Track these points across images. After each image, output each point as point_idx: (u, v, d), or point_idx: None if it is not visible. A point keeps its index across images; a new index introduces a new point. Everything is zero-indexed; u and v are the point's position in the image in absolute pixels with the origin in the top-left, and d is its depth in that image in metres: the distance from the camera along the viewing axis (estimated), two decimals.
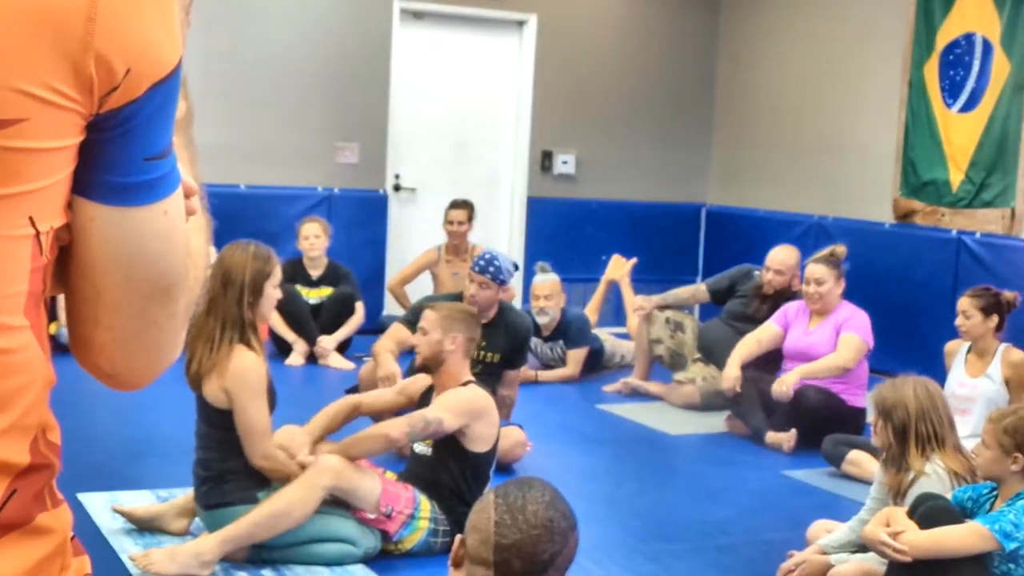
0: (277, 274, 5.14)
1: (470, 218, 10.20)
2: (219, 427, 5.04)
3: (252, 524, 4.84)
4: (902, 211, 10.13)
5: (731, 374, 7.62)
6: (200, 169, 1.46)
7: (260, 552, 4.98)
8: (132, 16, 1.15)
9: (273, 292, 5.12)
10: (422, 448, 5.36)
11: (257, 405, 4.97)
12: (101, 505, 5.56)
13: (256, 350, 5.01)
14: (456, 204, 10.24)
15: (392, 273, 10.66)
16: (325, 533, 5.00)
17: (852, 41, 10.71)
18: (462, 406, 5.23)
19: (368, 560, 5.05)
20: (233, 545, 4.84)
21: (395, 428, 5.14)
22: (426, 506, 5.19)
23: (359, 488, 5.02)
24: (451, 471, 5.25)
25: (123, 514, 5.25)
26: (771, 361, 7.80)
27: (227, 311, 4.97)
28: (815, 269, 7.54)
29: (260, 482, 5.00)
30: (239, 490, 4.99)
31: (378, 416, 5.92)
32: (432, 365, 5.43)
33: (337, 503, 5.04)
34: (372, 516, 5.05)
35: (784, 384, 7.26)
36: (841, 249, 7.70)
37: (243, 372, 4.94)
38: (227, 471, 5.03)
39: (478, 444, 5.23)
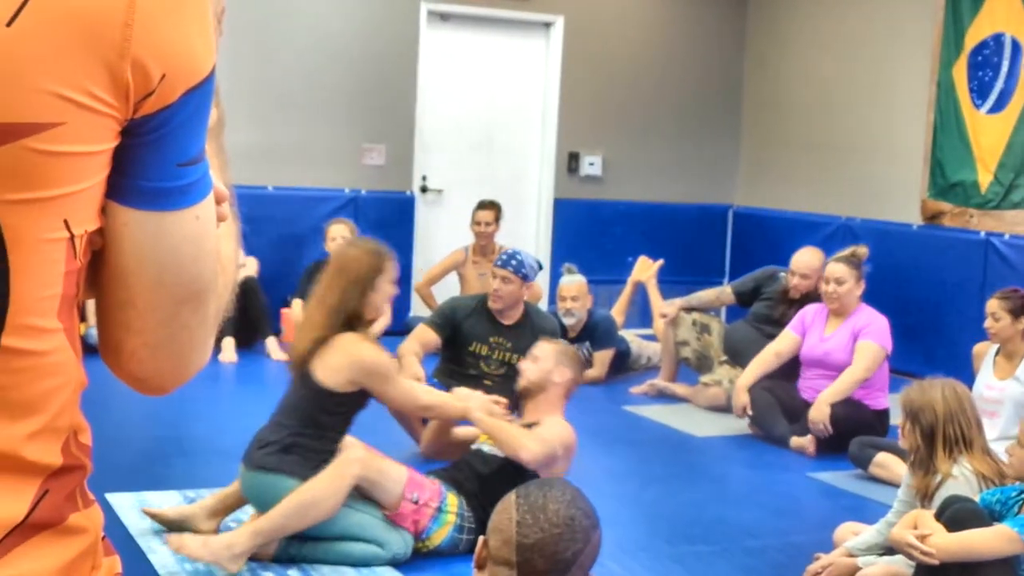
0: (391, 270, 5.32)
1: (497, 219, 10.21)
2: (316, 406, 5.11)
3: (283, 515, 4.86)
4: (930, 212, 10.10)
5: (740, 401, 7.60)
6: (230, 174, 1.47)
7: (288, 549, 5.00)
8: (168, 22, 1.16)
9: (387, 287, 5.30)
10: (491, 449, 5.38)
11: (392, 385, 5.18)
12: (130, 505, 5.59)
13: (364, 338, 5.17)
14: (484, 205, 10.24)
15: (418, 274, 10.67)
16: (354, 531, 5.01)
17: (880, 42, 10.68)
18: (568, 440, 5.36)
19: (396, 565, 5.04)
20: (264, 538, 4.86)
21: (528, 449, 5.21)
22: (453, 500, 5.20)
23: (386, 479, 5.04)
24: (508, 482, 5.25)
25: (153, 516, 5.26)
26: (788, 369, 7.78)
27: (340, 302, 5.14)
28: (835, 268, 7.50)
29: (317, 467, 4.98)
30: (297, 464, 4.98)
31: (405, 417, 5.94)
32: (533, 391, 5.54)
33: (365, 500, 5.06)
34: (399, 510, 5.06)
35: (821, 422, 7.18)
36: (863, 250, 7.66)
37: (366, 362, 5.11)
38: (297, 444, 5.06)
39: (550, 473, 5.23)
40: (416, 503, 5.08)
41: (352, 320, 5.16)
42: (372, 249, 5.33)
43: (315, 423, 5.10)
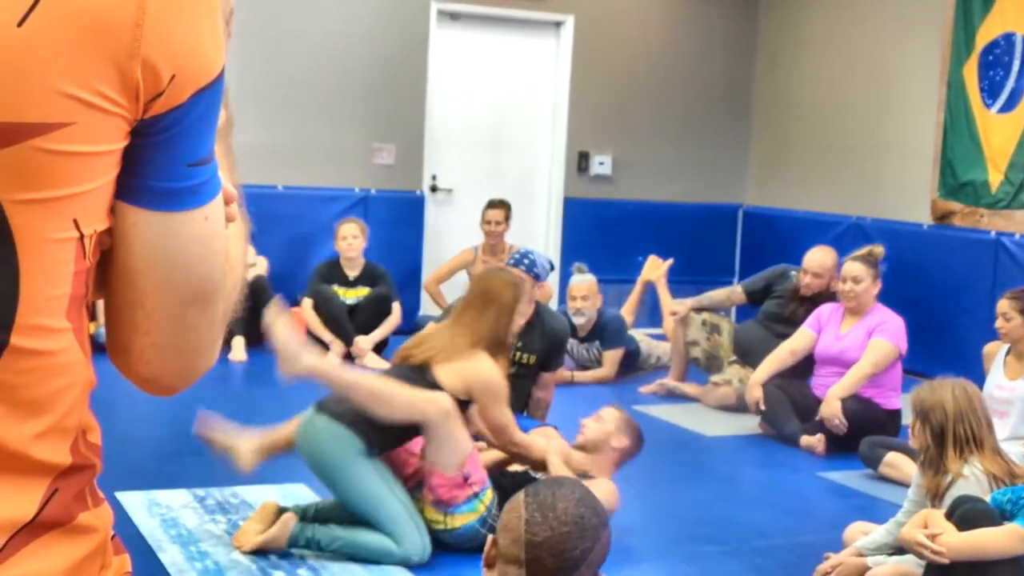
0: (525, 299, 5.73)
1: (507, 218, 10.21)
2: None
3: (361, 383, 5.08)
4: (940, 212, 10.08)
5: (754, 395, 7.62)
6: (238, 175, 1.47)
7: (304, 532, 5.04)
8: (178, 23, 1.17)
9: (519, 317, 5.68)
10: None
11: (500, 408, 5.31)
12: (139, 504, 5.60)
13: (498, 363, 5.37)
14: (493, 204, 10.24)
15: (428, 274, 10.67)
16: (381, 516, 5.02)
17: (891, 41, 10.67)
18: (612, 506, 5.39)
19: (406, 566, 5.03)
20: (334, 379, 5.08)
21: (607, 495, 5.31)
22: (490, 495, 5.22)
23: (456, 438, 5.10)
24: None
25: (204, 436, 5.38)
26: (801, 368, 7.79)
27: (490, 330, 5.37)
28: (852, 267, 7.51)
29: (378, 447, 5.08)
30: (368, 431, 5.04)
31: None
32: (588, 449, 5.62)
33: (407, 491, 5.12)
34: (451, 476, 5.10)
35: (834, 417, 7.19)
36: (879, 249, 7.67)
37: (490, 382, 5.28)
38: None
39: None
40: (465, 480, 5.13)
41: (494, 345, 5.37)
42: (514, 280, 5.63)
43: None
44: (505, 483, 5.37)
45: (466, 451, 5.14)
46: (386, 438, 5.12)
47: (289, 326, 5.20)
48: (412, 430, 5.18)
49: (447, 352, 5.30)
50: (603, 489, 5.42)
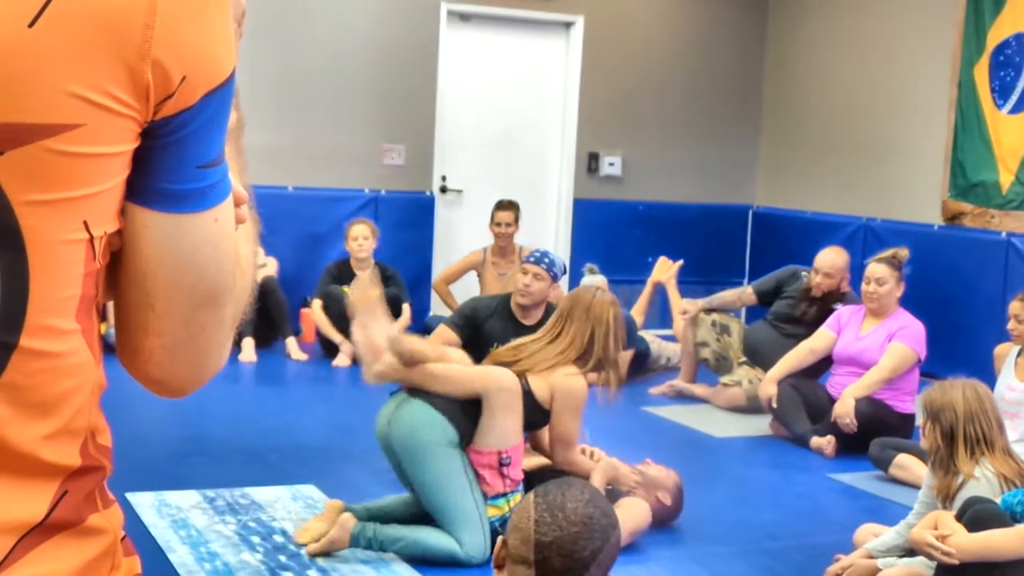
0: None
1: (517, 219, 10.20)
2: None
3: (430, 353, 5.26)
4: (951, 213, 10.07)
5: (768, 391, 7.62)
6: (249, 176, 1.47)
7: (365, 532, 5.05)
8: (189, 24, 1.17)
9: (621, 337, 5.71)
10: None
11: (574, 420, 5.48)
12: (149, 504, 5.61)
13: (584, 379, 5.50)
14: (503, 205, 10.22)
15: (438, 275, 10.68)
16: (451, 510, 5.05)
17: (901, 42, 10.66)
18: (640, 530, 5.48)
19: (466, 567, 5.04)
20: (397, 348, 5.19)
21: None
22: (518, 498, 5.21)
23: (508, 419, 5.19)
24: None
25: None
26: (813, 367, 7.78)
27: (583, 342, 5.52)
28: (876, 268, 7.51)
29: (458, 442, 5.13)
30: (459, 420, 5.13)
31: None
32: (641, 481, 5.69)
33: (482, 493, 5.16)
34: (485, 454, 5.13)
35: (847, 417, 7.18)
36: (904, 252, 7.65)
37: (576, 392, 5.46)
38: (467, 413, 5.19)
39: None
40: (502, 465, 5.15)
41: (595, 363, 5.54)
42: (613, 300, 5.70)
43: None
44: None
45: (512, 437, 5.20)
46: (463, 436, 5.17)
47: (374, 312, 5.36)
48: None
49: (544, 363, 5.45)
50: (636, 507, 5.43)
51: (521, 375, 5.35)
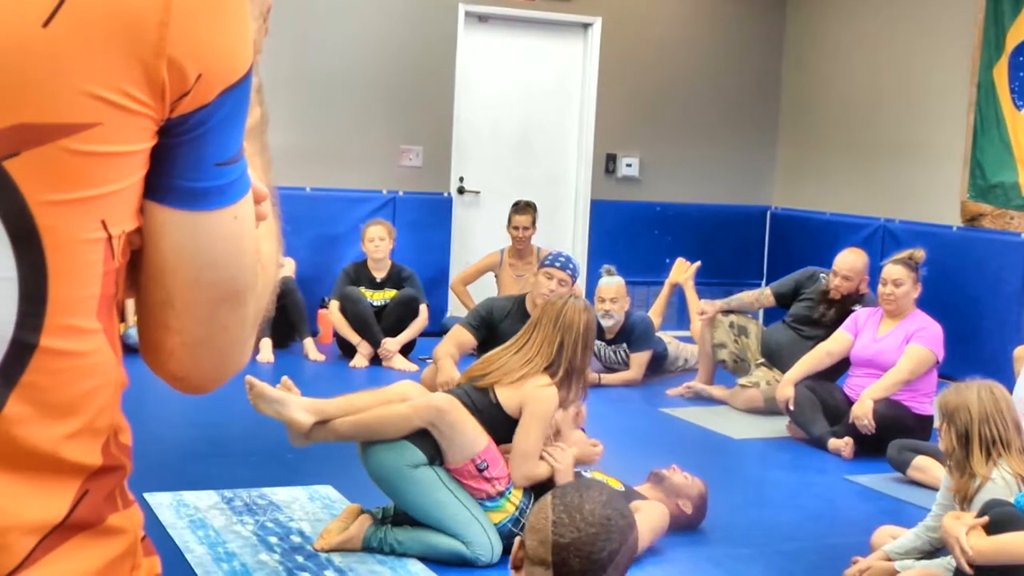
0: (594, 327, 5.62)
1: (534, 222, 10.20)
2: (488, 420, 5.22)
3: (354, 423, 5.06)
4: (970, 214, 10.04)
5: (785, 394, 7.60)
6: (272, 174, 1.47)
7: (377, 533, 5.10)
8: (204, 22, 1.16)
9: (591, 346, 5.59)
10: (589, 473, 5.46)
11: (538, 431, 5.26)
12: (167, 504, 5.62)
13: (556, 390, 5.33)
14: (520, 208, 10.21)
15: (455, 276, 10.69)
16: (447, 522, 5.06)
17: (920, 42, 10.63)
18: (660, 532, 5.43)
19: (479, 567, 5.05)
20: (322, 415, 5.06)
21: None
22: (518, 494, 5.23)
23: (462, 432, 5.08)
24: None
25: (253, 387, 5.20)
26: (831, 368, 7.77)
27: (551, 353, 5.36)
28: (893, 269, 7.48)
29: (434, 459, 5.09)
30: (431, 442, 5.07)
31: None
32: (663, 486, 5.65)
33: (466, 492, 5.13)
34: (460, 467, 5.09)
35: (865, 418, 7.16)
36: (920, 253, 7.63)
37: (544, 401, 5.28)
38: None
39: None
40: (481, 471, 5.12)
41: (565, 373, 5.36)
42: (586, 306, 5.54)
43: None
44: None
45: (475, 445, 5.12)
46: (436, 456, 5.14)
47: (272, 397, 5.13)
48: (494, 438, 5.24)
49: (511, 375, 5.32)
50: (654, 511, 5.41)
51: (489, 389, 5.29)
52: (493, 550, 5.06)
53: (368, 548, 5.09)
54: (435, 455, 5.06)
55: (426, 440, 5.06)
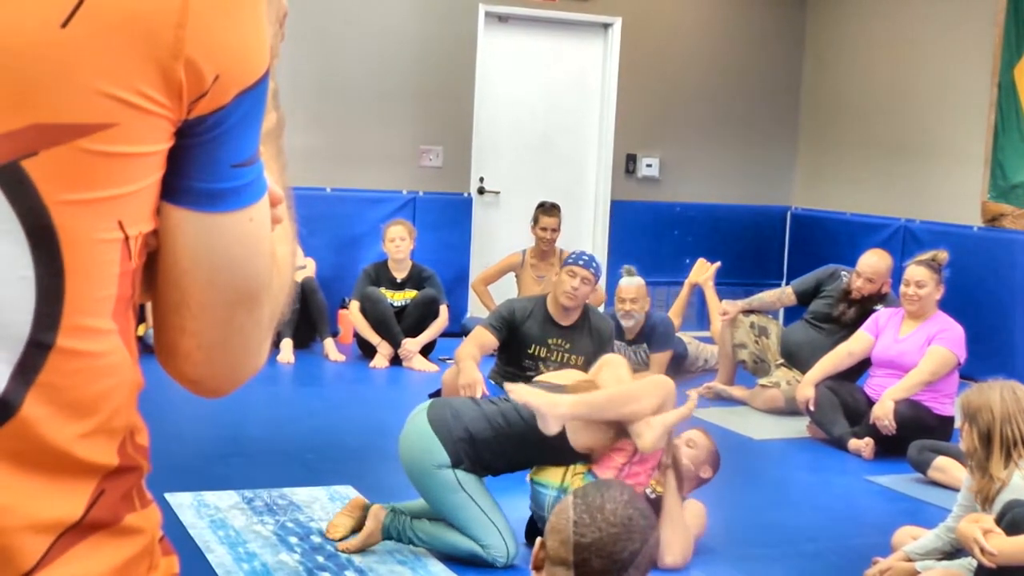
0: None
1: (560, 223, 10.18)
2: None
3: (607, 397, 5.07)
4: (991, 214, 10.01)
5: (805, 394, 7.58)
6: (288, 177, 1.47)
7: (395, 522, 5.11)
8: (221, 23, 1.17)
9: None
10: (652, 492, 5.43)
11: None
12: (188, 504, 5.63)
13: None
14: (548, 210, 10.16)
15: (475, 277, 10.69)
16: (461, 521, 5.06)
17: (941, 42, 10.60)
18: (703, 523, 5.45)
19: (498, 568, 5.06)
20: (586, 410, 5.00)
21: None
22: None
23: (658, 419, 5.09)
24: None
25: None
26: (852, 369, 7.75)
27: None
28: (916, 271, 7.46)
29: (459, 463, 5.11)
30: (463, 447, 5.05)
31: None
32: (677, 470, 5.49)
33: (487, 497, 5.14)
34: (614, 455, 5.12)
35: (886, 418, 7.15)
36: (943, 255, 7.60)
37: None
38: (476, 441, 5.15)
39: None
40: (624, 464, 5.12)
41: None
42: None
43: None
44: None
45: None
46: (483, 466, 5.14)
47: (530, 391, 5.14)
48: (521, 458, 5.22)
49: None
50: (694, 510, 5.41)
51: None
52: (509, 553, 5.06)
53: (388, 538, 5.11)
54: (460, 460, 5.05)
55: (461, 446, 5.05)
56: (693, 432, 5.67)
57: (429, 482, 5.07)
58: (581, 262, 6.99)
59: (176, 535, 5.06)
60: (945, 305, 7.63)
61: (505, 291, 9.87)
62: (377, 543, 5.13)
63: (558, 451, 5.11)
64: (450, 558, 5.08)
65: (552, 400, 4.99)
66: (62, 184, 1.12)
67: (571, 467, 5.12)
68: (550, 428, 4.95)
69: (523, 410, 5.08)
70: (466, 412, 5.16)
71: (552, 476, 5.14)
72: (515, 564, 5.08)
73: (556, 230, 10.10)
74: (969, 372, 7.93)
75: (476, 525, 5.04)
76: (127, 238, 1.18)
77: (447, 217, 10.87)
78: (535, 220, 10.17)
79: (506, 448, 5.13)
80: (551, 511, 4.73)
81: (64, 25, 1.09)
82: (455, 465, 5.04)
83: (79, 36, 1.09)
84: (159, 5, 1.13)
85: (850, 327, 8.02)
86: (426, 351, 9.44)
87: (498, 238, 11.12)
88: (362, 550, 5.11)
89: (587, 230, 11.70)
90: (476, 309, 10.52)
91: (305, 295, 9.31)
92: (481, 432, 5.09)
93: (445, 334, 9.57)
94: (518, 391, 5.06)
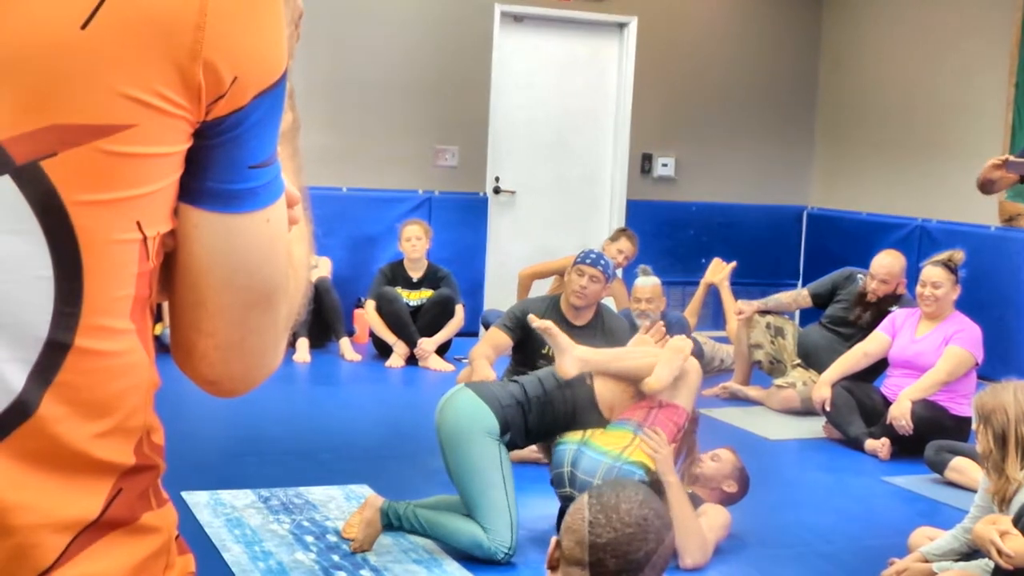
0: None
1: (636, 252, 9.81)
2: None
3: (625, 350, 5.55)
4: (1007, 214, 9.98)
5: (822, 394, 7.56)
6: (304, 177, 1.47)
7: (396, 507, 5.10)
8: (240, 25, 1.17)
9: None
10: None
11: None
12: (204, 503, 5.64)
13: None
14: (630, 236, 9.74)
15: (491, 276, 10.69)
16: (476, 494, 5.07)
17: (957, 41, 10.58)
18: (727, 525, 5.47)
19: (493, 562, 5.05)
20: (603, 356, 5.49)
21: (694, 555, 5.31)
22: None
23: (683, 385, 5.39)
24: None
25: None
26: (868, 369, 7.74)
27: None
28: (932, 271, 7.44)
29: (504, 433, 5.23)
30: (511, 416, 5.23)
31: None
32: (701, 482, 5.63)
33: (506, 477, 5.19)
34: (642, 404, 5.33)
35: (903, 419, 7.14)
36: (960, 255, 7.58)
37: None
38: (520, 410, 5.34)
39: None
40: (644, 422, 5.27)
41: None
42: None
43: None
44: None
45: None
46: (525, 433, 5.33)
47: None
48: (558, 427, 5.38)
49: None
50: (719, 519, 5.40)
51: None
52: (511, 548, 5.05)
53: (386, 524, 5.09)
54: (507, 427, 5.17)
55: (508, 415, 5.20)
56: (721, 449, 5.75)
57: (471, 449, 5.08)
58: (589, 260, 6.98)
59: (192, 534, 5.07)
60: (962, 305, 7.61)
61: (544, 288, 9.75)
62: (378, 532, 5.10)
63: (587, 412, 5.35)
64: (466, 557, 5.07)
65: (572, 342, 5.38)
66: (81, 185, 1.12)
67: (634, 440, 5.19)
68: (566, 368, 5.29)
69: (551, 377, 5.43)
70: (504, 385, 5.43)
71: (612, 443, 5.21)
72: (513, 562, 5.08)
73: (630, 257, 9.74)
74: (985, 372, 7.90)
75: (493, 510, 5.03)
76: (145, 238, 1.18)
77: (463, 217, 10.88)
78: (611, 237, 9.79)
79: (545, 411, 5.33)
80: (602, 478, 4.87)
81: (84, 27, 1.09)
82: (503, 433, 5.13)
83: (99, 38, 1.10)
84: (178, 7, 1.13)
85: (866, 330, 8.01)
86: (442, 351, 9.45)
87: (514, 237, 11.12)
88: (367, 543, 5.10)
89: (603, 230, 11.67)
90: (493, 304, 10.49)
91: (320, 295, 9.32)
92: (523, 398, 5.29)
93: (461, 333, 9.58)
94: (540, 321, 5.48)
